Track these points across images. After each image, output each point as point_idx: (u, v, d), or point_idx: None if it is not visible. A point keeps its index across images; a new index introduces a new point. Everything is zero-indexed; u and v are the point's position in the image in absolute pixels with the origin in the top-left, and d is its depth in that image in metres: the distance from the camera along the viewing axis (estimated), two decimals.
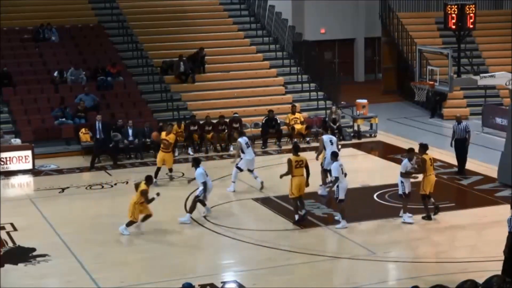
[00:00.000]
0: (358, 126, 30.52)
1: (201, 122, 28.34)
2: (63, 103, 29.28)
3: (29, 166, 25.71)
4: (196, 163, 20.39)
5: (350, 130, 30.54)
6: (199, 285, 15.33)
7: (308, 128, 29.12)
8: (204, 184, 19.94)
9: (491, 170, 24.09)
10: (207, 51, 33.03)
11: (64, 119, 28.58)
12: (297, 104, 30.90)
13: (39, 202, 22.15)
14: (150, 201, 18.93)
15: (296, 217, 19.73)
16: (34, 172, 25.59)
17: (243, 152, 22.85)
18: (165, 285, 15.86)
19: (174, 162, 24.96)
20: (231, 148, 27.66)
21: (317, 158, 22.33)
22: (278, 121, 29.22)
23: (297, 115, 29.54)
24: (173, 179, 24.03)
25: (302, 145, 28.37)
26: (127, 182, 24.14)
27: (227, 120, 28.53)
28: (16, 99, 29.67)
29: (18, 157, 25.71)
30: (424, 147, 20.07)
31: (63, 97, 29.90)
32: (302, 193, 19.73)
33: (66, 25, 34.27)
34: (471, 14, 33.19)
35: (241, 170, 22.92)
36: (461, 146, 24.40)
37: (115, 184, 24.03)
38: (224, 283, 16.01)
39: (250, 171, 22.95)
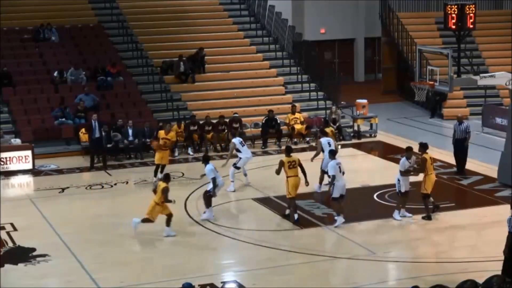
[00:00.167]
0: (358, 126, 30.52)
1: (201, 122, 28.34)
2: (63, 103, 29.28)
3: (29, 166, 25.71)
4: (205, 159, 20.55)
5: (350, 130, 30.54)
6: (199, 285, 15.33)
7: (308, 128, 29.12)
8: (214, 180, 20.01)
9: (491, 170, 24.09)
10: (207, 51, 33.03)
11: (64, 119, 28.59)
12: (297, 104, 30.90)
13: (39, 202, 22.15)
14: (169, 201, 18.87)
15: (295, 216, 19.75)
16: (34, 172, 25.58)
17: (239, 152, 22.96)
18: (165, 285, 15.86)
19: (174, 162, 24.95)
20: None
21: (312, 160, 22.38)
22: (278, 121, 29.23)
23: (297, 115, 29.54)
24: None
25: (302, 145, 28.59)
26: (127, 182, 24.17)
27: (227, 120, 28.53)
28: (16, 99, 29.67)
29: (18, 157, 25.71)
30: (424, 147, 20.09)
31: (63, 97, 29.90)
32: (294, 194, 19.93)
33: (66, 25, 34.27)
34: (471, 14, 33.21)
35: (238, 168, 23.04)
36: (460, 146, 24.42)
37: (115, 184, 24.03)
38: (224, 283, 16.01)
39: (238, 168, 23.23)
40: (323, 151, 22.19)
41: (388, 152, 27.63)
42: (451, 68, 23.86)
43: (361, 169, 25.68)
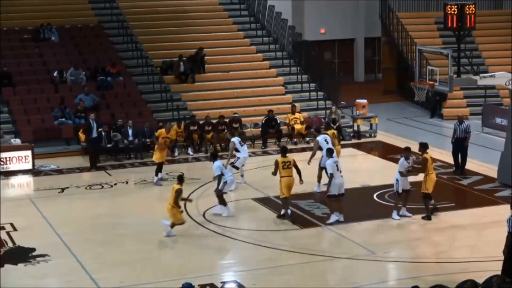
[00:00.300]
0: (358, 126, 30.52)
1: (201, 122, 28.34)
2: (63, 103, 29.27)
3: (29, 166, 25.71)
4: (213, 156, 20.75)
5: (350, 130, 30.54)
6: (198, 285, 15.33)
7: (308, 128, 29.11)
8: (220, 177, 20.18)
9: (491, 170, 24.09)
10: (207, 51, 33.03)
11: (64, 119, 28.59)
12: (297, 104, 30.90)
13: (39, 202, 22.15)
14: (184, 199, 18.84)
15: (288, 212, 19.91)
16: (34, 172, 25.58)
17: (237, 151, 23.00)
18: (165, 285, 15.87)
19: (174, 162, 24.97)
20: None
21: (308, 162, 22.21)
22: (278, 121, 29.23)
23: (297, 115, 29.54)
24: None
25: (302, 145, 28.62)
26: (127, 182, 24.17)
27: (227, 120, 28.53)
28: (16, 99, 29.67)
29: (18, 157, 25.71)
30: (424, 146, 20.10)
31: (63, 97, 29.89)
32: (288, 195, 20.04)
33: (66, 25, 34.28)
34: (471, 14, 33.18)
35: (237, 168, 23.08)
36: (459, 145, 24.43)
37: (115, 184, 24.02)
38: (224, 283, 16.01)
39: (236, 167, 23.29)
40: (321, 149, 22.16)
41: (388, 152, 27.63)
42: (451, 68, 23.87)
43: (361, 169, 25.69)
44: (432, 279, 15.18)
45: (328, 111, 30.51)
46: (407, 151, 20.12)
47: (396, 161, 20.66)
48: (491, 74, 24.51)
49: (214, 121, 28.30)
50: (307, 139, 28.94)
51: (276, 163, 20.07)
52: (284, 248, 18.04)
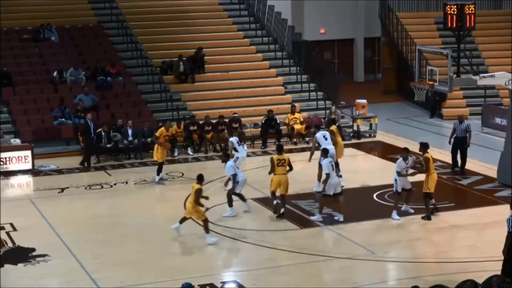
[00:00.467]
0: (358, 126, 30.52)
1: (200, 122, 28.34)
2: (63, 103, 29.26)
3: (28, 166, 25.71)
4: (225, 156, 20.96)
5: (349, 130, 30.54)
6: (198, 285, 15.33)
7: (307, 128, 29.11)
8: (234, 176, 20.32)
9: (491, 170, 24.09)
10: (206, 51, 33.03)
11: (63, 119, 28.58)
12: (296, 104, 30.91)
13: (38, 202, 22.14)
14: (203, 197, 18.72)
15: (274, 202, 20.28)
16: (34, 172, 25.58)
17: (236, 151, 23.03)
18: (165, 285, 15.86)
19: (174, 162, 24.97)
20: None
21: (309, 160, 22.39)
22: (278, 121, 29.24)
23: (296, 115, 29.55)
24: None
25: (302, 145, 28.61)
26: (126, 182, 24.17)
27: (227, 120, 28.53)
28: (16, 99, 29.67)
29: (18, 157, 25.70)
30: (425, 146, 20.10)
31: (63, 97, 29.87)
32: (285, 193, 20.19)
33: (65, 25, 34.27)
34: (471, 14, 33.15)
35: None
36: (459, 145, 24.44)
37: (115, 184, 24.03)
38: (223, 283, 16.02)
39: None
40: (319, 146, 22.15)
41: (387, 152, 27.62)
42: (451, 68, 23.86)
43: (361, 169, 25.70)
44: (432, 279, 15.18)
45: (327, 111, 30.51)
46: (405, 151, 20.13)
47: (395, 161, 20.66)
48: (491, 74, 24.51)
49: (214, 121, 28.31)
50: (307, 139, 28.92)
51: (272, 160, 20.27)
52: (283, 248, 18.04)
